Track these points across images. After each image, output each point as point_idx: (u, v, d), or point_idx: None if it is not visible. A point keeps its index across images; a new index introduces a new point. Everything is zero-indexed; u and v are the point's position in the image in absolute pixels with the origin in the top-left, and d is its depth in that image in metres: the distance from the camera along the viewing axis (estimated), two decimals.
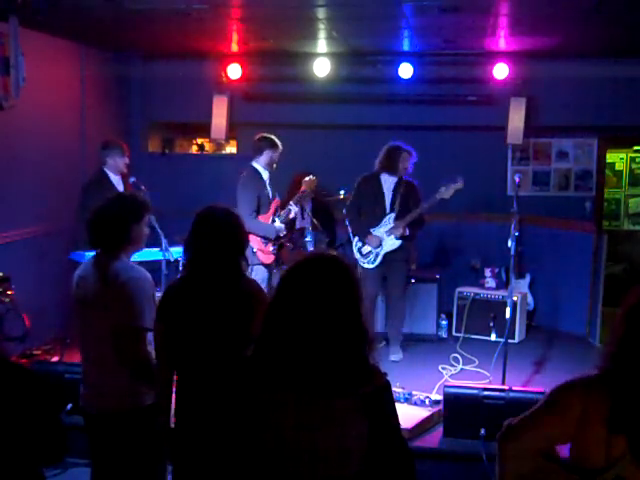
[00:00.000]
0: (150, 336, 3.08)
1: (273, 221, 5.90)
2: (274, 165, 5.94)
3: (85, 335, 3.29)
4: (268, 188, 5.93)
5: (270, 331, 2.01)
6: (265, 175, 5.89)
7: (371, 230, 6.07)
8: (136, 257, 3.43)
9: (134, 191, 3.27)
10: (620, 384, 1.88)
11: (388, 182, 6.10)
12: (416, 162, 6.04)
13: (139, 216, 3.29)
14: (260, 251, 5.73)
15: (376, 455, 1.98)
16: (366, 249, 6.08)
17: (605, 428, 1.86)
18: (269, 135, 5.95)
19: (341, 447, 1.92)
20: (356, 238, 6.14)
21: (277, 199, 6.01)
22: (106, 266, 3.19)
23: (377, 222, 6.08)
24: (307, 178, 6.08)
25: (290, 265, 2.10)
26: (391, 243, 6.04)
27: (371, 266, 6.08)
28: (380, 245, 6.04)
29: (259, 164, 5.89)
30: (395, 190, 6.09)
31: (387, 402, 2.03)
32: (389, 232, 6.04)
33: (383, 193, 6.10)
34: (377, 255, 6.06)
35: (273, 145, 5.88)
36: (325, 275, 2.00)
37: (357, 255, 6.09)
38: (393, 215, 6.05)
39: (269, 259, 5.83)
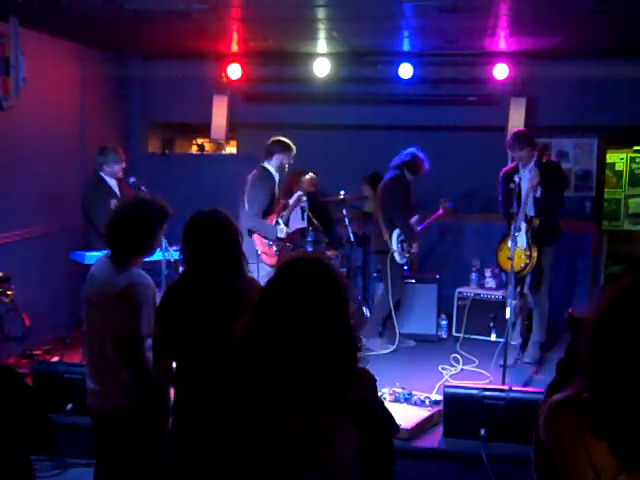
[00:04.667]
0: (149, 340, 3.10)
1: (277, 223, 5.88)
2: (285, 168, 5.92)
3: (90, 334, 3.30)
4: (277, 190, 5.94)
5: (253, 337, 1.95)
6: (276, 177, 5.89)
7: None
8: None
9: (155, 196, 3.26)
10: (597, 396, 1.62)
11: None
12: None
13: (163, 222, 3.30)
14: (264, 254, 5.72)
15: (368, 456, 1.94)
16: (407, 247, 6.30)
17: (588, 453, 1.58)
18: (283, 139, 5.89)
19: (329, 453, 1.88)
20: (396, 232, 6.24)
21: (282, 201, 6.00)
22: (115, 269, 3.20)
23: None
24: (307, 176, 6.04)
25: (274, 270, 2.07)
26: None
27: (404, 262, 6.33)
28: None
29: (270, 166, 5.88)
30: None
31: (374, 403, 2.00)
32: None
33: (409, 194, 6.35)
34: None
35: (285, 149, 5.82)
36: (308, 278, 1.94)
37: (398, 249, 6.25)
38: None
39: (273, 260, 5.81)
